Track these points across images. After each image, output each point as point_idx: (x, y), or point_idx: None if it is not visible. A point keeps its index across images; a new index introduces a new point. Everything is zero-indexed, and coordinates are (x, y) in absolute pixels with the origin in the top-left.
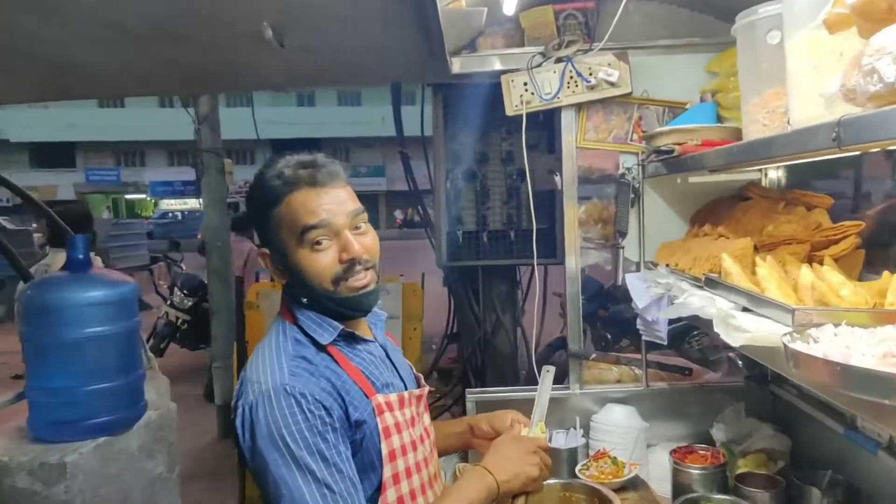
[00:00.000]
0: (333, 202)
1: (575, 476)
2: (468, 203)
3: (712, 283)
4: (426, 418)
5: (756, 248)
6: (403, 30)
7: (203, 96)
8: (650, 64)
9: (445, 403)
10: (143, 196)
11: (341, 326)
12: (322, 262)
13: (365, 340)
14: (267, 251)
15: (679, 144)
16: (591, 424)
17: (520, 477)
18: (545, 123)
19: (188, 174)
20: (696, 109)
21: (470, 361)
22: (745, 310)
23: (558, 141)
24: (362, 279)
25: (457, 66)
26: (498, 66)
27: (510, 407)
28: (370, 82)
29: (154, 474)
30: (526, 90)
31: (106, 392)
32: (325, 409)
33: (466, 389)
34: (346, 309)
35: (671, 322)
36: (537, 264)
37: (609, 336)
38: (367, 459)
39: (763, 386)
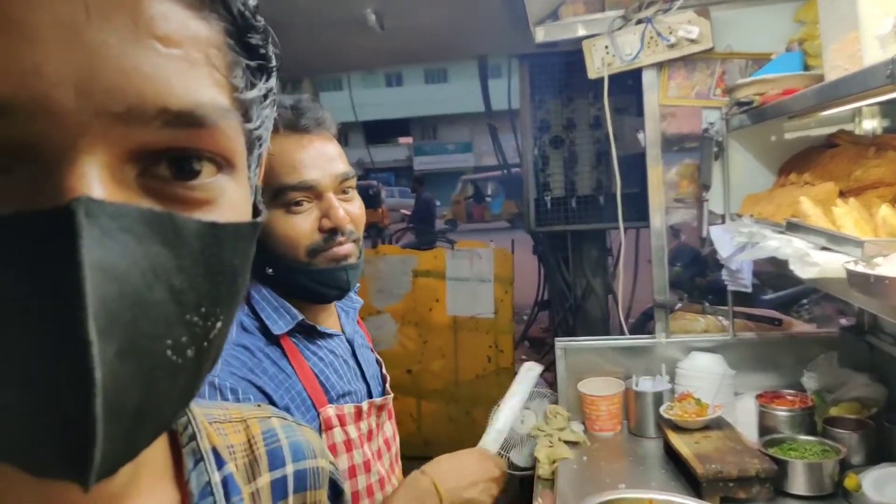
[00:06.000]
0: (320, 157)
1: (661, 417)
2: (556, 169)
3: (793, 226)
4: (388, 428)
5: (843, 193)
6: (489, 3)
7: (305, 81)
8: (733, 18)
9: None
10: None
11: (301, 317)
12: (299, 227)
13: (328, 335)
14: None
15: (760, 95)
16: (677, 371)
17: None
18: (634, 87)
19: None
20: (781, 59)
21: (561, 327)
22: (823, 249)
23: None
24: (343, 249)
25: (540, 34)
26: (581, 32)
27: (599, 357)
28: (459, 57)
29: None
30: (607, 53)
31: None
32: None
33: (556, 338)
34: (321, 285)
35: (782, 289)
36: (625, 227)
37: (707, 304)
38: None
39: (859, 337)
